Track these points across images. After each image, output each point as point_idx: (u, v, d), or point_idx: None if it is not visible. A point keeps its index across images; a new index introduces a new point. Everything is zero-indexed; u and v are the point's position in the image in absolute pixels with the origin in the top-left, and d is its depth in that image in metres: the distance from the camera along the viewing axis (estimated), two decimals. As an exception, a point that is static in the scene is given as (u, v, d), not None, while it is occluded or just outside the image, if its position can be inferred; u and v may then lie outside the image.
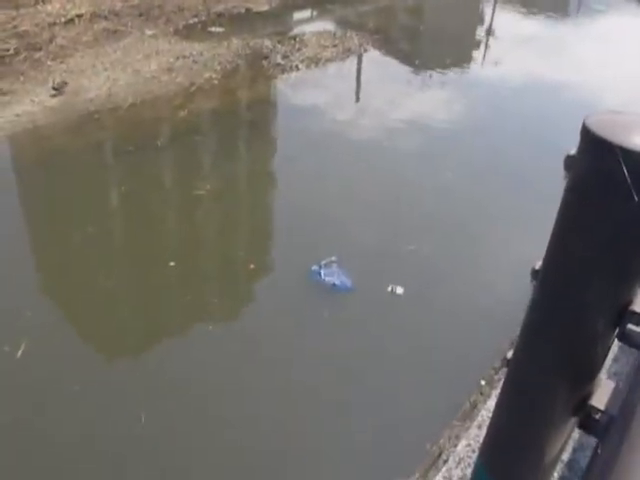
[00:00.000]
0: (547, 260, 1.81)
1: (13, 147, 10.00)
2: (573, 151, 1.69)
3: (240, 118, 11.24)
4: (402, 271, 7.15)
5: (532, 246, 7.19)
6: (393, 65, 14.18)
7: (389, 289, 6.78)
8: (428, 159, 9.80)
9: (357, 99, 12.22)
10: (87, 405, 5.47)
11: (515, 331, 5.90)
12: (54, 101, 10.90)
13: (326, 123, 10.78)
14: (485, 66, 14.71)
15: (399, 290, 6.78)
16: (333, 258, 7.06)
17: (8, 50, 13.03)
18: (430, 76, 13.37)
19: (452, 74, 13.54)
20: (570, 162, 1.67)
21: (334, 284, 6.82)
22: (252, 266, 7.35)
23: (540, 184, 8.74)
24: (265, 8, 17.30)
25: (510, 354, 2.04)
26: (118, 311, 6.74)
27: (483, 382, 5.69)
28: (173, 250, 7.63)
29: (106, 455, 5.07)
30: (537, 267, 1.82)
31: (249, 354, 6.07)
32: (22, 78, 11.92)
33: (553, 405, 1.90)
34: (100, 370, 5.89)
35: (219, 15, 16.26)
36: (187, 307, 6.76)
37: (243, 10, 16.89)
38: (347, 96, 12.15)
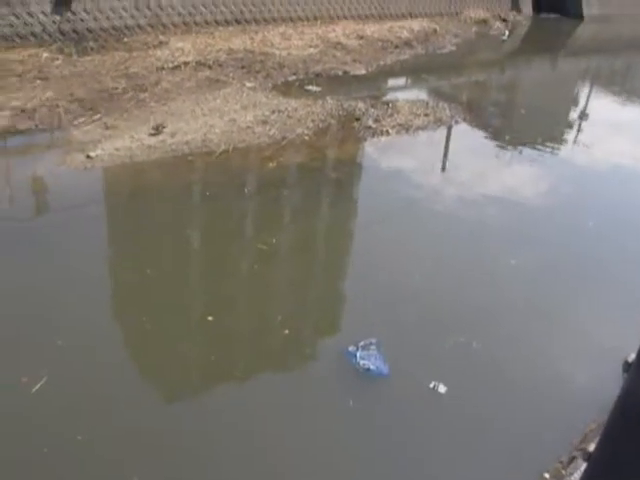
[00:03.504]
0: None
1: (109, 178, 10.46)
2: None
3: (326, 176, 11.43)
4: (448, 366, 6.60)
5: (594, 345, 6.96)
6: (483, 139, 14.21)
7: (431, 385, 6.21)
8: (499, 240, 9.46)
9: (443, 169, 12.26)
10: (82, 460, 5.24)
11: (579, 429, 5.67)
12: (152, 140, 11.41)
13: (409, 190, 10.80)
14: (576, 148, 14.56)
15: (442, 388, 6.19)
16: (373, 340, 6.60)
17: (117, 88, 13.80)
18: (519, 153, 13.33)
19: (542, 153, 13.45)
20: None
21: (368, 369, 6.31)
22: (286, 332, 6.98)
23: (617, 280, 8.41)
24: (362, 72, 17.76)
25: (592, 447, 1.98)
26: (147, 361, 6.55)
27: (547, 475, 5.44)
28: (215, 302, 7.54)
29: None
30: (630, 359, 1.79)
31: (254, 434, 5.66)
32: (126, 115, 12.58)
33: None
34: (109, 421, 5.61)
35: (317, 75, 16.79)
36: (211, 367, 6.56)
37: (340, 72, 17.40)
38: (434, 165, 12.21)
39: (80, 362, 6.24)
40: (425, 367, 6.54)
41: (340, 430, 5.82)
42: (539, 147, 13.65)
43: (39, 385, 5.81)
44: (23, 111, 12.21)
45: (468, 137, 14.19)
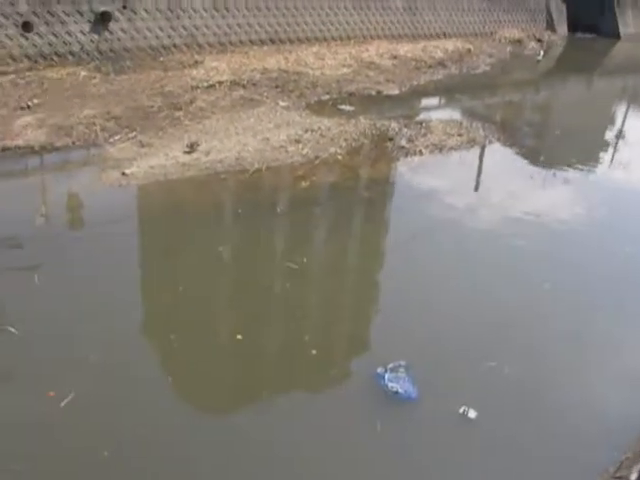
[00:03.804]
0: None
1: (143, 195, 10.60)
2: None
3: (358, 195, 11.40)
4: (478, 390, 6.45)
5: (631, 372, 6.75)
6: (516, 159, 14.07)
7: (461, 410, 6.07)
8: (532, 262, 9.17)
9: (476, 189, 12.16)
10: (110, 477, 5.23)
11: (614, 457, 5.48)
12: (186, 158, 11.51)
13: (442, 210, 10.71)
14: (612, 169, 14.36)
15: (472, 414, 6.04)
16: (402, 362, 6.50)
17: (153, 107, 14.00)
18: (554, 174, 13.16)
19: (577, 173, 13.29)
20: None
21: (397, 392, 6.21)
22: (314, 352, 6.89)
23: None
24: (395, 92, 17.79)
25: (634, 476, 1.91)
26: (175, 378, 6.49)
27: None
28: (245, 321, 7.49)
29: None
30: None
31: (280, 455, 5.60)
32: (160, 133, 12.74)
33: None
34: (137, 438, 5.61)
35: (350, 94, 16.87)
36: (239, 385, 6.55)
37: (374, 92, 17.46)
38: (467, 185, 12.12)
39: (111, 378, 6.26)
40: (455, 391, 6.40)
41: (366, 454, 5.72)
42: (574, 168, 13.49)
43: (68, 399, 5.83)
44: (61, 128, 12.44)
45: (502, 157, 14.08)
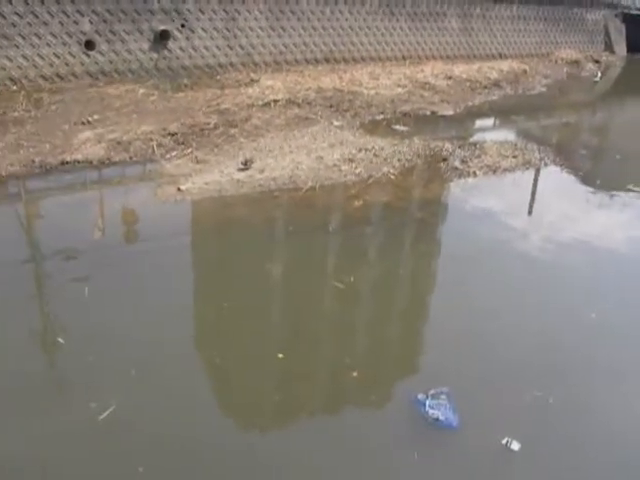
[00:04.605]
0: None
1: (197, 210, 10.73)
2: None
3: (410, 216, 11.32)
4: (522, 421, 6.22)
5: None
6: (572, 182, 13.79)
7: (504, 441, 5.86)
8: (582, 290, 8.93)
9: (530, 213, 11.95)
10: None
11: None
12: (240, 175, 11.64)
13: (494, 232, 10.57)
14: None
15: (515, 445, 5.82)
16: (444, 389, 6.37)
17: (209, 124, 14.22)
18: (611, 198, 12.88)
19: (635, 199, 12.95)
20: None
21: (437, 419, 6.08)
22: (355, 374, 6.80)
23: None
24: (450, 112, 17.72)
25: None
26: (214, 396, 6.54)
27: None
28: (287, 339, 7.47)
29: None
30: None
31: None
32: (216, 150, 12.93)
33: None
34: (172, 455, 5.58)
35: (404, 114, 16.86)
36: (276, 406, 6.47)
37: (428, 112, 17.42)
38: (520, 208, 11.91)
39: (150, 393, 6.31)
40: (498, 421, 6.20)
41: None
42: (632, 192, 13.15)
43: (107, 413, 5.88)
44: (119, 143, 12.74)
45: (557, 180, 13.81)
